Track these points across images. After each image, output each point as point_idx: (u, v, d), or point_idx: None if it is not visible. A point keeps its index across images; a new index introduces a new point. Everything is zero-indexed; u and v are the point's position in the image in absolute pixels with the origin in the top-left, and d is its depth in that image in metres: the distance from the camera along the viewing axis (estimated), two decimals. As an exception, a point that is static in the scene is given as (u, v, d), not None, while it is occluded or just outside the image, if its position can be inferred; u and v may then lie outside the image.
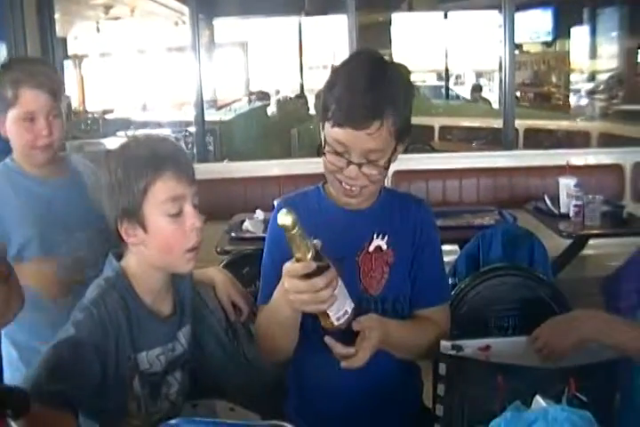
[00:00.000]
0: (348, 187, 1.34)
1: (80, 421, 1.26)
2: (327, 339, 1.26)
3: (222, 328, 1.56)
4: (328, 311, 1.17)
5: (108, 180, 1.28)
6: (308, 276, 1.13)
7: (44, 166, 1.81)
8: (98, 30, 7.68)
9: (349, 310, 1.20)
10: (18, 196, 1.77)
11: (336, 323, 1.19)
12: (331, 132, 1.30)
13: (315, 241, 1.15)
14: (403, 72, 1.37)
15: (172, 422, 1.04)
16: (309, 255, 1.11)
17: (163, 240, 1.27)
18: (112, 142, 4.38)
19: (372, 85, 1.27)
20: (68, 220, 1.78)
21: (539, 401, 1.11)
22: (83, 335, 1.22)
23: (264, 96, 6.83)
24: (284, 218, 1.06)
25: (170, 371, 1.36)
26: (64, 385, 1.18)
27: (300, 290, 1.16)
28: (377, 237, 1.41)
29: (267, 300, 1.38)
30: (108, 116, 7.08)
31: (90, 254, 1.75)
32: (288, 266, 1.16)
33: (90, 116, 6.90)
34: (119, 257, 1.35)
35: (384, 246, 1.40)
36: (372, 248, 1.40)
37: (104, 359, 1.24)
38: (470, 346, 1.36)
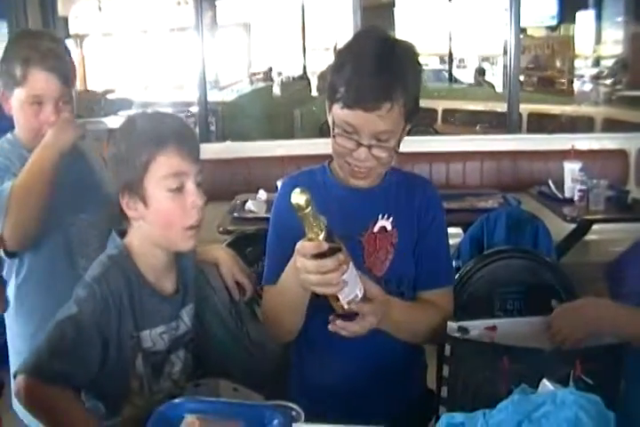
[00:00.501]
0: (357, 169, 1.33)
1: (84, 400, 1.27)
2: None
3: (226, 307, 1.55)
4: (338, 295, 1.16)
5: (113, 153, 1.27)
6: (318, 256, 1.12)
7: None
8: (99, 9, 7.62)
9: (360, 295, 1.18)
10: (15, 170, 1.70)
11: (346, 307, 1.17)
12: (340, 114, 1.29)
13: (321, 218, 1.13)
14: (411, 50, 1.34)
15: (176, 400, 1.04)
16: (322, 235, 1.09)
17: (162, 215, 1.27)
18: (113, 121, 4.34)
19: (381, 66, 1.26)
20: (72, 201, 1.73)
21: (546, 384, 1.10)
22: (85, 313, 1.22)
23: (267, 75, 6.78)
24: (298, 197, 1.05)
25: (173, 350, 1.36)
26: (66, 364, 1.18)
27: (309, 270, 1.14)
28: (382, 217, 1.40)
29: (272, 279, 1.37)
30: (109, 96, 7.06)
31: (94, 237, 1.73)
32: (300, 245, 1.15)
33: (92, 95, 6.88)
34: (122, 235, 1.34)
35: (389, 227, 1.39)
36: (376, 228, 1.39)
37: (106, 337, 1.23)
38: (476, 327, 1.35)
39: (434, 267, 1.43)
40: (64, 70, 1.67)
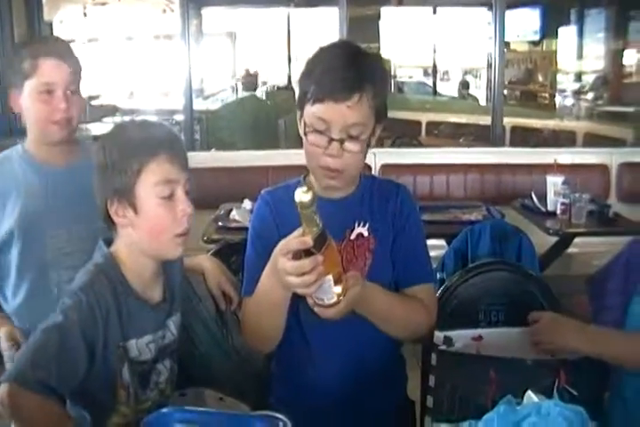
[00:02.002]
0: (330, 169, 1.33)
1: (69, 408, 1.25)
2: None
3: (211, 317, 1.55)
4: (313, 296, 1.17)
5: (102, 160, 1.27)
6: (298, 256, 1.13)
7: (56, 147, 1.74)
8: (85, 15, 7.59)
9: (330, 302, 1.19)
10: (14, 185, 1.72)
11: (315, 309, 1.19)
12: (311, 111, 1.30)
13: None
14: (377, 55, 1.41)
15: (164, 410, 1.03)
16: (315, 234, 1.11)
17: (152, 222, 1.27)
18: (98, 128, 4.34)
19: (350, 63, 1.30)
20: (67, 212, 1.72)
21: (530, 396, 1.11)
22: (71, 322, 1.21)
23: (252, 79, 6.75)
24: (304, 195, 1.07)
25: (159, 359, 1.35)
26: (50, 373, 1.17)
27: (287, 271, 1.15)
28: (358, 224, 1.40)
29: (251, 292, 1.37)
30: (93, 103, 7.02)
31: (76, 249, 1.72)
32: (281, 242, 1.16)
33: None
34: (109, 243, 1.33)
35: (365, 233, 1.40)
36: (353, 236, 1.40)
37: (92, 347, 1.22)
38: (462, 337, 1.36)
39: (412, 264, 1.43)
40: (73, 58, 1.71)
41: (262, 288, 1.30)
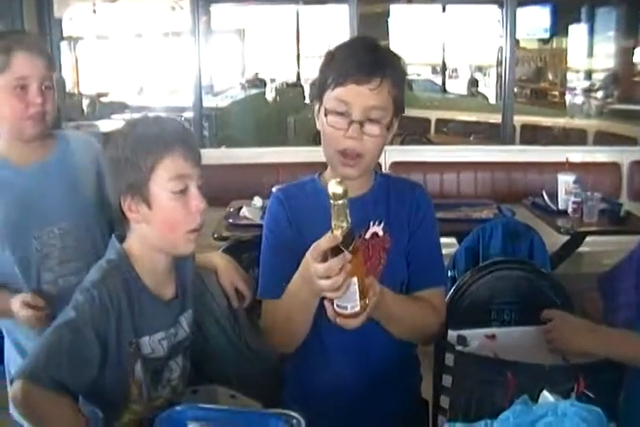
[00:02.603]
0: (347, 155, 1.33)
1: (81, 406, 1.25)
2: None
3: (224, 314, 1.54)
4: (335, 304, 1.17)
5: (115, 155, 1.27)
6: (331, 254, 1.13)
7: (30, 144, 1.70)
8: (94, 12, 7.60)
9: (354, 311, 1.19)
10: None
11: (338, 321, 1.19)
12: (332, 95, 1.32)
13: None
14: (397, 54, 1.40)
15: (178, 408, 1.02)
16: (344, 229, 1.11)
17: (166, 218, 1.27)
18: (107, 125, 4.35)
19: (370, 49, 1.33)
20: (49, 210, 1.69)
21: (546, 396, 1.10)
22: (83, 319, 1.20)
23: (259, 83, 6.77)
24: (336, 187, 1.08)
25: (172, 356, 1.35)
26: (62, 370, 1.17)
27: (318, 274, 1.15)
28: (373, 223, 1.40)
29: (270, 291, 1.38)
30: (102, 100, 7.03)
31: (80, 244, 1.72)
32: (312, 246, 1.17)
33: (86, 98, 6.87)
34: (121, 240, 1.33)
35: (380, 233, 1.39)
36: (368, 235, 1.39)
37: (105, 343, 1.22)
38: (476, 336, 1.35)
39: (425, 267, 1.43)
40: (46, 52, 1.68)
41: (292, 292, 1.31)
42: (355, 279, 1.14)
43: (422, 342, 1.47)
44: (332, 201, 1.09)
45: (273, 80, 8.56)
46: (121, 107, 6.00)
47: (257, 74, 6.83)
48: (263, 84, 6.98)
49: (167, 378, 1.34)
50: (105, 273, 1.27)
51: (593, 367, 1.27)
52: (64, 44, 7.98)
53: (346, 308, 1.18)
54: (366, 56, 1.31)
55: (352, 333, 1.32)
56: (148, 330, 1.29)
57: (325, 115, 1.33)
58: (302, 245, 1.30)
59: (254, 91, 6.99)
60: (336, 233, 1.11)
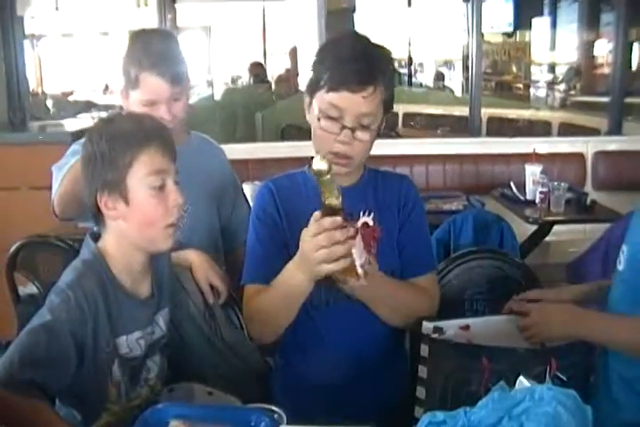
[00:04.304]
0: (339, 156, 1.36)
1: (58, 409, 1.24)
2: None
3: (200, 311, 1.54)
4: (355, 258, 1.20)
5: (91, 152, 1.26)
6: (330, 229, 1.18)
7: None
8: (57, 9, 7.48)
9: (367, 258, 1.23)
10: None
11: (360, 271, 1.22)
12: (325, 98, 1.34)
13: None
14: (388, 51, 1.43)
15: (160, 406, 1.02)
16: (339, 200, 1.18)
17: (144, 213, 1.27)
18: (73, 124, 4.27)
19: (364, 54, 1.35)
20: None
21: (522, 382, 1.12)
22: (59, 320, 1.19)
23: (261, 72, 6.71)
24: (320, 163, 1.13)
25: (149, 355, 1.34)
26: (38, 373, 1.14)
27: (319, 244, 1.18)
28: (363, 213, 1.41)
29: (256, 278, 1.39)
30: (68, 99, 6.93)
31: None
32: (311, 222, 1.20)
33: (51, 97, 6.76)
34: (96, 239, 1.32)
35: (370, 223, 1.41)
36: (358, 225, 1.41)
37: (82, 345, 1.21)
38: (451, 326, 1.37)
39: (417, 255, 1.47)
40: (173, 72, 1.72)
41: (283, 280, 1.32)
42: (355, 249, 1.19)
43: (413, 326, 1.48)
44: (317, 177, 1.15)
45: (240, 77, 8.51)
46: (87, 105, 5.92)
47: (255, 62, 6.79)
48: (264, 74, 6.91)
49: (145, 377, 1.34)
50: (80, 273, 1.26)
51: (564, 350, 1.30)
52: (26, 43, 7.85)
53: (367, 259, 1.23)
54: (360, 63, 1.32)
55: (346, 324, 1.40)
56: (125, 330, 1.29)
57: (318, 118, 1.36)
58: (291, 235, 1.33)
59: (222, 87, 6.95)
60: (327, 205, 1.17)
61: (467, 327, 1.40)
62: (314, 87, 1.37)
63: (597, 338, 1.32)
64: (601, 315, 1.37)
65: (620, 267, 1.34)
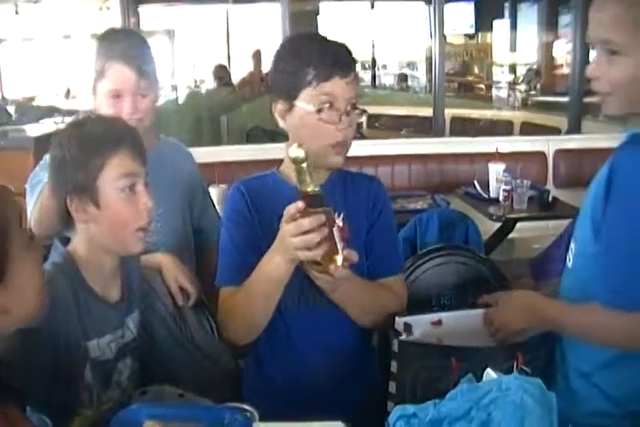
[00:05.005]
0: (340, 140, 1.38)
1: (29, 415, 1.23)
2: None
3: (170, 314, 1.54)
4: (339, 249, 1.22)
5: (60, 156, 1.26)
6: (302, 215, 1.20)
7: None
8: (17, 13, 7.35)
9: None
10: None
11: (339, 263, 1.23)
12: (316, 91, 1.36)
13: None
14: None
15: (134, 407, 1.03)
16: (318, 188, 1.20)
17: (115, 217, 1.27)
18: (35, 129, 4.22)
19: (339, 46, 1.41)
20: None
21: (490, 374, 1.15)
22: (30, 324, 1.18)
23: (225, 75, 6.68)
24: (297, 151, 1.17)
25: (120, 358, 1.34)
26: (10, 380, 1.13)
27: (291, 233, 1.20)
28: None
29: (232, 279, 1.39)
30: (29, 104, 6.82)
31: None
32: (287, 208, 1.22)
33: (12, 102, 6.65)
34: (66, 242, 1.32)
35: (340, 223, 1.42)
36: (336, 216, 1.43)
37: (54, 349, 1.21)
38: (422, 323, 1.39)
39: (385, 256, 1.49)
40: (140, 63, 1.71)
41: (261, 272, 1.32)
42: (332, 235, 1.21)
43: (381, 326, 1.50)
44: (295, 165, 1.17)
45: (203, 81, 8.47)
46: (50, 111, 5.84)
47: (219, 65, 6.74)
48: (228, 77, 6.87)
49: (116, 380, 1.34)
50: (50, 277, 1.24)
51: (528, 344, 1.34)
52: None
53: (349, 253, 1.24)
54: (341, 53, 1.39)
55: (316, 326, 1.41)
56: (96, 333, 1.29)
57: (317, 111, 1.36)
58: (264, 236, 1.34)
59: (186, 91, 6.91)
60: (302, 193, 1.19)
61: (439, 322, 1.43)
62: (295, 88, 1.37)
63: (552, 322, 1.35)
64: (553, 303, 1.39)
65: (570, 264, 1.38)
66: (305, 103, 1.37)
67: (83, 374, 1.27)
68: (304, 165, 1.17)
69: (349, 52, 1.42)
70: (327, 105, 1.36)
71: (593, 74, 1.28)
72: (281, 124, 1.43)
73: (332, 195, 1.45)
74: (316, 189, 1.20)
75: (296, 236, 1.20)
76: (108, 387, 1.32)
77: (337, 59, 1.37)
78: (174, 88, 8.09)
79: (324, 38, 1.43)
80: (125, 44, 1.74)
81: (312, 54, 1.37)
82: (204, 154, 4.07)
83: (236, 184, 1.49)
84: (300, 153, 1.16)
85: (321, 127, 1.37)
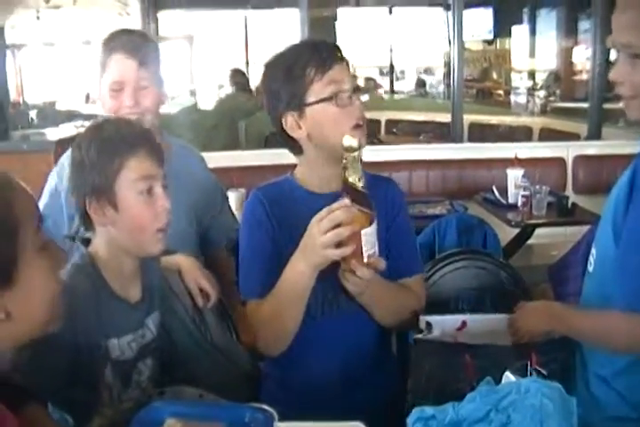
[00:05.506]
0: (359, 117, 1.42)
1: (51, 413, 1.24)
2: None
3: (189, 315, 1.55)
4: (362, 247, 1.23)
5: (79, 159, 1.27)
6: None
7: None
8: (38, 19, 7.45)
9: (377, 251, 1.27)
10: None
11: (366, 260, 1.25)
12: (321, 83, 1.40)
13: None
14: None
15: (156, 404, 1.04)
16: (362, 182, 1.21)
17: (133, 219, 1.28)
18: (56, 133, 4.27)
19: (320, 40, 1.48)
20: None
21: (508, 376, 1.15)
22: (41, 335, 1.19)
23: (243, 80, 6.71)
24: (351, 140, 1.19)
25: (140, 358, 1.35)
26: (31, 377, 1.15)
27: (324, 228, 1.22)
28: None
29: (253, 292, 1.41)
30: (50, 108, 6.90)
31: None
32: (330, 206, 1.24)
33: (33, 107, 6.74)
34: (87, 243, 1.33)
35: (374, 227, 1.43)
36: (373, 213, 1.43)
37: (74, 349, 1.22)
38: (443, 324, 1.40)
39: (405, 257, 1.50)
40: (141, 54, 1.73)
41: (285, 282, 1.34)
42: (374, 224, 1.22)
43: (403, 325, 1.51)
44: (347, 154, 1.19)
45: (222, 86, 8.51)
46: (70, 115, 5.91)
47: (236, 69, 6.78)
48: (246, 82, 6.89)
49: (136, 380, 1.35)
50: (71, 278, 1.26)
51: (545, 345, 1.34)
52: (8, 53, 7.81)
53: (375, 252, 1.26)
54: (325, 42, 1.46)
55: (336, 332, 1.42)
56: (117, 333, 1.30)
57: (331, 98, 1.39)
58: (284, 242, 1.35)
59: (204, 96, 6.96)
60: (349, 186, 1.21)
61: (463, 325, 1.44)
62: (302, 90, 1.40)
63: (573, 334, 1.35)
64: (574, 312, 1.40)
65: (591, 268, 1.37)
66: (316, 98, 1.40)
67: (103, 373, 1.28)
68: (355, 154, 1.19)
69: (334, 44, 1.48)
70: (338, 90, 1.40)
71: (616, 78, 1.28)
72: (297, 134, 1.44)
73: None
74: (362, 184, 1.21)
75: (326, 232, 1.22)
76: (128, 387, 1.33)
77: (329, 49, 1.42)
78: (193, 93, 8.15)
79: (305, 40, 1.51)
80: (126, 38, 1.77)
81: (306, 54, 1.41)
82: (223, 158, 4.11)
83: (253, 192, 1.51)
84: (354, 142, 1.19)
85: (339, 113, 1.40)
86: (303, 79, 1.40)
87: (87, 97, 8.15)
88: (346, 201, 1.22)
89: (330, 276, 1.33)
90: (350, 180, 1.21)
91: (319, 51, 1.42)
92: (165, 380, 1.43)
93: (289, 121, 1.43)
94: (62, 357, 1.20)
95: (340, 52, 1.45)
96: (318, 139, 1.42)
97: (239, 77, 6.53)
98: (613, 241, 1.27)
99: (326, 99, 1.39)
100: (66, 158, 1.78)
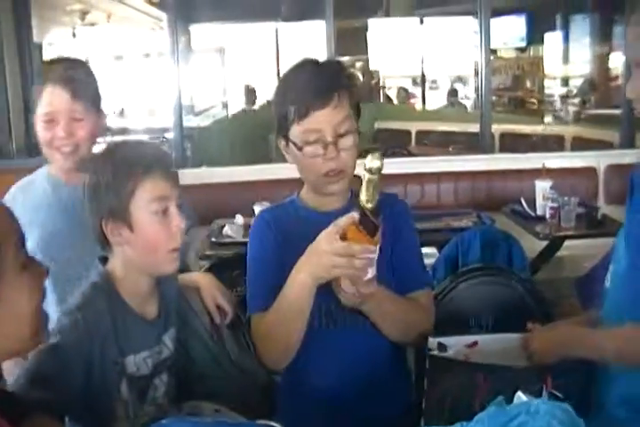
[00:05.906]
0: (331, 168, 1.39)
1: (67, 425, 1.27)
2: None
3: (207, 331, 1.57)
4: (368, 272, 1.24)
5: (95, 180, 1.30)
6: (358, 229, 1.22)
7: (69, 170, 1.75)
8: (74, 35, 7.62)
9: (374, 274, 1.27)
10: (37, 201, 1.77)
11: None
12: (301, 128, 1.37)
13: None
14: (339, 62, 1.52)
15: (164, 421, 1.04)
16: (374, 204, 1.20)
17: (148, 239, 1.30)
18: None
19: (316, 71, 1.40)
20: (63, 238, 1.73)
21: (520, 397, 1.14)
22: (68, 343, 1.22)
23: (251, 95, 6.76)
24: (375, 161, 1.16)
25: (156, 374, 1.37)
26: (47, 392, 1.17)
27: (337, 252, 1.22)
28: None
29: (259, 307, 1.41)
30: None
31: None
32: (342, 220, 1.24)
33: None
34: (105, 261, 1.36)
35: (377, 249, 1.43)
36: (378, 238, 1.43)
37: (89, 365, 1.24)
38: (456, 343, 1.38)
39: (411, 272, 1.50)
40: (76, 87, 1.71)
41: (287, 293, 1.34)
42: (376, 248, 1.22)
43: (413, 341, 1.51)
44: (368, 175, 1.16)
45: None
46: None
47: (247, 86, 6.82)
48: (254, 98, 6.93)
49: (152, 396, 1.37)
50: (89, 296, 1.29)
51: (561, 368, 1.31)
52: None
53: (374, 275, 1.27)
54: (316, 80, 1.38)
55: (347, 346, 1.42)
56: (133, 349, 1.32)
57: (300, 148, 1.38)
58: (290, 260, 1.35)
59: (236, 109, 7.00)
60: (363, 207, 1.20)
61: (474, 344, 1.42)
62: (285, 126, 1.40)
63: (591, 354, 1.33)
64: (589, 331, 1.37)
65: (607, 284, 1.35)
66: (295, 138, 1.39)
67: (119, 389, 1.30)
68: (375, 176, 1.17)
69: (335, 74, 1.41)
70: (313, 139, 1.37)
71: (636, 96, 1.26)
72: (287, 158, 1.45)
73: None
74: (375, 206, 1.20)
75: (342, 256, 1.22)
76: (144, 402, 1.35)
77: (316, 90, 1.36)
78: (225, 106, 8.23)
79: (314, 66, 1.42)
80: (61, 69, 1.74)
81: (292, 91, 1.39)
82: (249, 172, 4.15)
83: (259, 213, 1.53)
84: (377, 164, 1.16)
85: (308, 161, 1.39)
86: (285, 114, 1.39)
87: (122, 111, 8.30)
88: (355, 216, 1.22)
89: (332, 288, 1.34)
90: (364, 202, 1.20)
91: (307, 89, 1.37)
92: (182, 395, 1.44)
93: (281, 144, 1.45)
94: (79, 372, 1.22)
95: (335, 87, 1.37)
96: (300, 172, 1.45)
97: (250, 94, 6.55)
98: (627, 255, 1.24)
99: (296, 145, 1.39)
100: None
